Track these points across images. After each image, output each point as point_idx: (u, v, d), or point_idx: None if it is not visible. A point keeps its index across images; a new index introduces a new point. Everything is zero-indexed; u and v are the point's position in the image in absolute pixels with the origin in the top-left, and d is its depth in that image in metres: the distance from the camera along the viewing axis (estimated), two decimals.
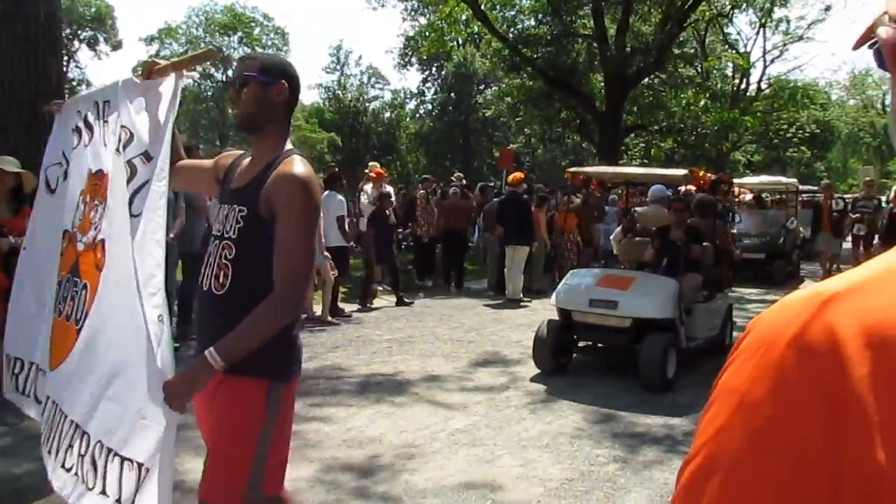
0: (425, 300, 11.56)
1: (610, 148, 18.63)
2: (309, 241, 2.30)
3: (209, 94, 40.32)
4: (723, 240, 8.57)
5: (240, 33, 40.44)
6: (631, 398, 6.22)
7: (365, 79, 46.94)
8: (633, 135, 24.52)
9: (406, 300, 10.97)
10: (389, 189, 12.44)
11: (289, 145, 2.45)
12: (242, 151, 2.63)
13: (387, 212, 11.06)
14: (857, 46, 0.73)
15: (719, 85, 30.47)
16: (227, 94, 3.11)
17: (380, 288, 11.97)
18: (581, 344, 7.28)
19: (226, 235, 2.35)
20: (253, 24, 41.61)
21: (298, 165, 2.32)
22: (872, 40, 0.69)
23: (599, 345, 7.38)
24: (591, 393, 6.40)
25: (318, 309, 9.59)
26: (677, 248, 7.25)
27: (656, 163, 25.00)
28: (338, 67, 46.25)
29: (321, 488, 4.30)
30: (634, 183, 11.64)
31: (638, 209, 9.35)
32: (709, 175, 7.48)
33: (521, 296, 11.55)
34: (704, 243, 7.63)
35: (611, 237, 9.49)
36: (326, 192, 9.88)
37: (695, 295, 7.20)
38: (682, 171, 7.81)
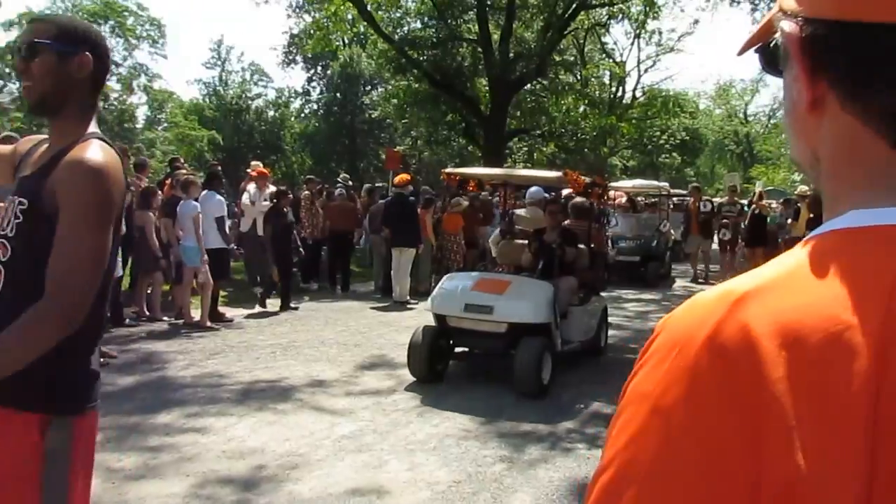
0: (310, 303, 11.34)
1: (494, 151, 18.94)
2: (97, 240, 1.83)
3: None
4: (598, 242, 8.60)
5: (111, 22, 38.35)
6: (513, 400, 6.27)
7: (248, 76, 45.75)
8: (516, 139, 25.05)
9: (291, 305, 10.70)
10: (272, 188, 12.10)
11: (93, 128, 1.98)
12: (45, 136, 2.13)
13: (284, 209, 10.74)
14: (742, 51, 0.72)
15: (597, 92, 31.56)
16: (15, 64, 2.43)
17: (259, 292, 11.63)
18: (458, 350, 7.16)
19: (1, 233, 1.91)
20: (126, 14, 39.55)
21: (93, 150, 1.86)
22: (761, 43, 0.68)
23: (476, 350, 7.24)
24: (476, 396, 6.43)
25: (196, 314, 9.21)
26: (552, 251, 7.22)
27: (539, 167, 25.62)
28: (218, 63, 44.85)
29: (198, 503, 4.10)
30: (517, 185, 11.72)
31: (516, 211, 9.36)
32: (583, 178, 7.50)
33: (409, 298, 11.53)
34: (580, 246, 7.66)
35: (489, 240, 9.36)
36: (205, 192, 9.52)
37: (570, 298, 7.23)
38: (556, 174, 7.80)
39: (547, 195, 9.24)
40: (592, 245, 8.17)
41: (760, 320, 0.53)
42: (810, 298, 0.53)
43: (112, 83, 39.80)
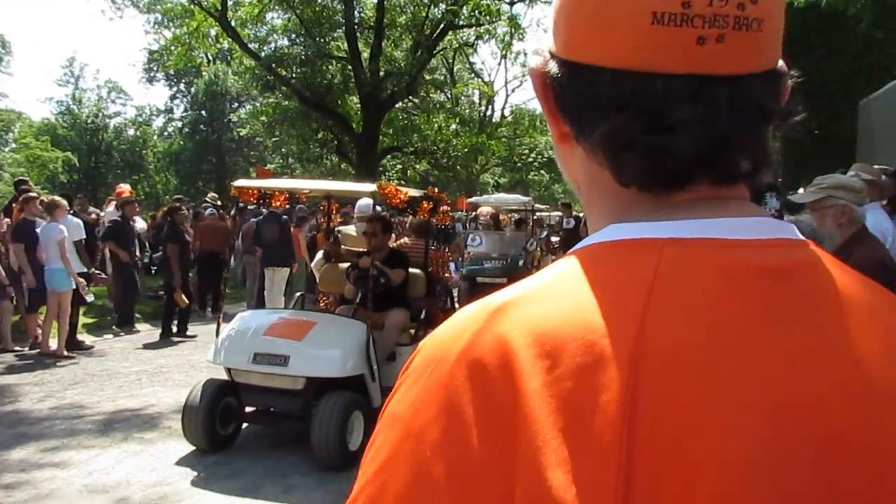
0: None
1: (367, 169, 18.93)
2: None
3: None
4: (437, 266, 7.31)
5: None
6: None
7: (104, 93, 43.60)
8: (389, 156, 25.18)
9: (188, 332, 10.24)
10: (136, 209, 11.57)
11: None
12: None
13: (182, 226, 10.25)
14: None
15: (468, 111, 32.36)
16: None
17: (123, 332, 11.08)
18: (249, 409, 5.66)
19: None
20: None
21: None
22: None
23: (272, 409, 5.69)
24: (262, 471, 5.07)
25: (53, 343, 8.65)
26: (374, 278, 6.06)
27: (412, 184, 25.84)
28: (71, 80, 42.49)
29: None
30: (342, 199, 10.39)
31: (341, 229, 7.97)
32: (402, 191, 6.07)
33: None
34: (413, 270, 6.57)
35: (312, 264, 7.98)
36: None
37: (398, 336, 6.03)
38: (370, 186, 6.32)
39: (380, 209, 7.94)
40: (430, 269, 6.98)
41: (517, 330, 0.51)
42: (567, 307, 0.52)
43: None
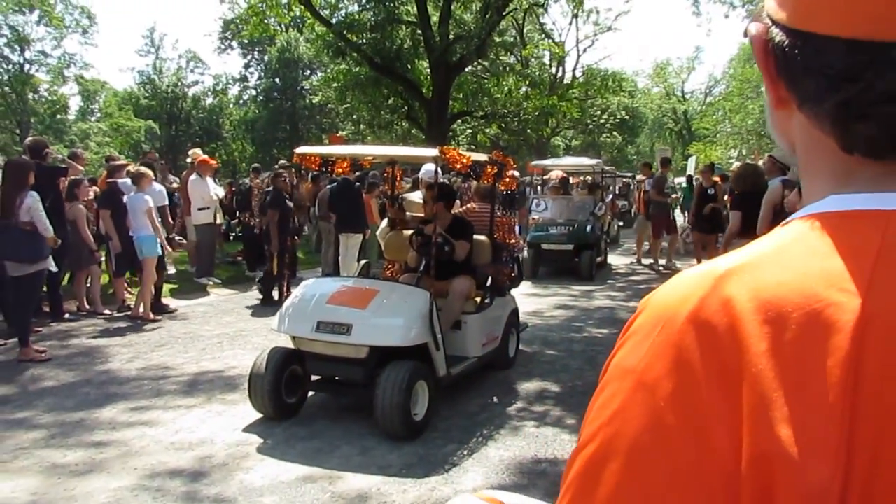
0: (258, 292, 11.20)
1: (437, 134, 18.88)
2: None
3: (4, 77, 36.61)
4: (502, 232, 7.12)
5: (38, 11, 36.92)
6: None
7: (183, 63, 44.72)
8: (459, 121, 25.06)
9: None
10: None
11: None
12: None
13: (286, 192, 10.42)
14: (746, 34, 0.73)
15: (538, 73, 31.78)
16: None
17: (210, 282, 11.47)
18: (315, 378, 5.62)
19: None
20: (53, 2, 38.14)
21: None
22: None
23: (336, 378, 5.59)
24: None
25: (141, 306, 9.03)
26: (438, 246, 5.98)
27: (482, 148, 25.70)
28: (152, 51, 43.68)
29: (146, 496, 4.05)
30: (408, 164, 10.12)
31: (406, 196, 7.90)
32: (466, 155, 5.81)
33: None
34: (478, 237, 6.44)
35: (377, 231, 7.78)
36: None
37: (463, 305, 6.02)
38: (433, 151, 5.95)
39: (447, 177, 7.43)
40: (496, 235, 6.88)
41: (743, 296, 0.55)
42: (792, 276, 0.54)
43: (42, 74, 38.46)
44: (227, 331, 8.42)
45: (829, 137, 0.59)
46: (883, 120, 0.55)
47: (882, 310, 0.51)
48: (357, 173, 11.10)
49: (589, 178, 17.70)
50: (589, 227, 12.84)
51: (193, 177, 11.34)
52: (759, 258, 0.58)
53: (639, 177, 18.62)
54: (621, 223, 21.44)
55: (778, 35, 0.60)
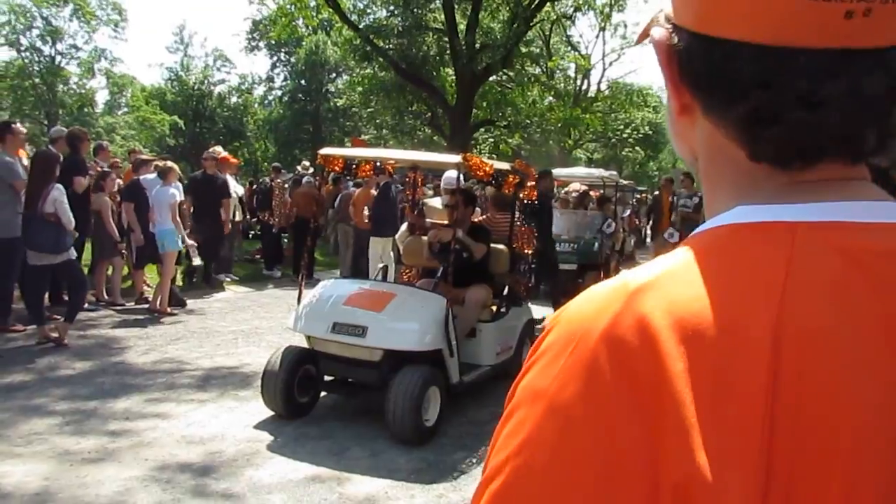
0: (274, 290, 11.29)
1: (460, 142, 18.92)
2: None
3: (36, 69, 37.11)
4: (521, 241, 7.09)
5: (72, 5, 37.42)
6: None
7: (210, 61, 45.08)
8: (482, 130, 25.10)
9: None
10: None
11: None
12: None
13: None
14: (639, 41, 0.71)
15: (563, 84, 31.77)
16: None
17: (227, 279, 11.55)
18: (328, 378, 5.64)
19: None
20: None
21: None
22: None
23: (349, 379, 5.60)
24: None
25: (158, 299, 9.10)
26: (457, 252, 5.89)
27: (504, 158, 25.70)
28: (181, 48, 44.11)
29: (156, 487, 4.08)
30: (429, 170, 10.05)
31: (426, 201, 7.85)
32: (487, 163, 5.76)
33: None
34: (497, 246, 6.46)
35: (396, 236, 7.78)
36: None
37: (479, 312, 6.02)
38: (455, 157, 5.92)
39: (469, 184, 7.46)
40: (514, 245, 6.86)
41: (658, 313, 0.52)
42: (705, 291, 0.52)
43: (72, 67, 38.95)
44: (242, 327, 8.47)
45: (734, 146, 0.58)
46: (792, 126, 0.54)
47: (795, 323, 0.49)
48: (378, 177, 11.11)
49: (601, 191, 16.00)
50: (596, 246, 11.84)
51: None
52: (671, 272, 0.55)
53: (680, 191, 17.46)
54: (634, 238, 20.15)
55: (682, 40, 0.58)
